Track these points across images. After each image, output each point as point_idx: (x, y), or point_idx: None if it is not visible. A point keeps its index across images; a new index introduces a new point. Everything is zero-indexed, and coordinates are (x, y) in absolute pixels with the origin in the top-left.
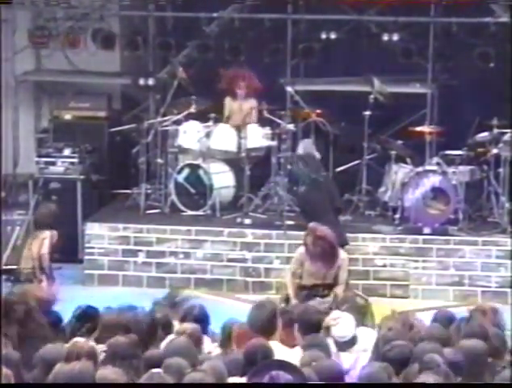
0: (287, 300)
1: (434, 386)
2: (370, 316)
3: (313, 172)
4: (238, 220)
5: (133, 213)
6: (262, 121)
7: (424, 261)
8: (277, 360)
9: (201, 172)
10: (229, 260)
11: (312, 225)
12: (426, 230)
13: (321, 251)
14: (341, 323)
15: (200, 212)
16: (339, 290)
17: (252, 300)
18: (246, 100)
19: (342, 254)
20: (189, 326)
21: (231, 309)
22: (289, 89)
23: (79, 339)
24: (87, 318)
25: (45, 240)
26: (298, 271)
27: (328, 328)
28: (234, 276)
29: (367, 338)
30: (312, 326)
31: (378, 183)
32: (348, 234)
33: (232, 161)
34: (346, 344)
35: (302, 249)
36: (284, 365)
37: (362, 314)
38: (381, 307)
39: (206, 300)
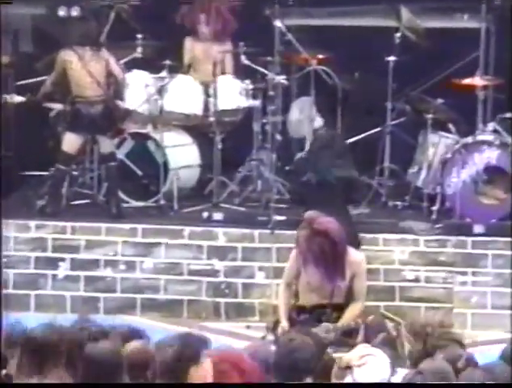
0: (275, 327)
1: (433, 386)
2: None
3: (338, 163)
4: (205, 214)
5: (52, 205)
6: (240, 71)
7: (474, 274)
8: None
9: (150, 145)
10: (192, 273)
11: (308, 214)
12: (478, 229)
13: (320, 253)
14: (370, 364)
15: (150, 204)
16: (357, 310)
17: (224, 330)
18: (216, 41)
19: (356, 255)
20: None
21: None
22: (278, 24)
23: None
24: None
25: (109, 58)
26: (293, 285)
27: (350, 368)
28: (199, 297)
29: None
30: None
31: (407, 160)
32: (363, 234)
33: (197, 129)
34: None
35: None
36: None
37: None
38: None
39: (158, 330)
